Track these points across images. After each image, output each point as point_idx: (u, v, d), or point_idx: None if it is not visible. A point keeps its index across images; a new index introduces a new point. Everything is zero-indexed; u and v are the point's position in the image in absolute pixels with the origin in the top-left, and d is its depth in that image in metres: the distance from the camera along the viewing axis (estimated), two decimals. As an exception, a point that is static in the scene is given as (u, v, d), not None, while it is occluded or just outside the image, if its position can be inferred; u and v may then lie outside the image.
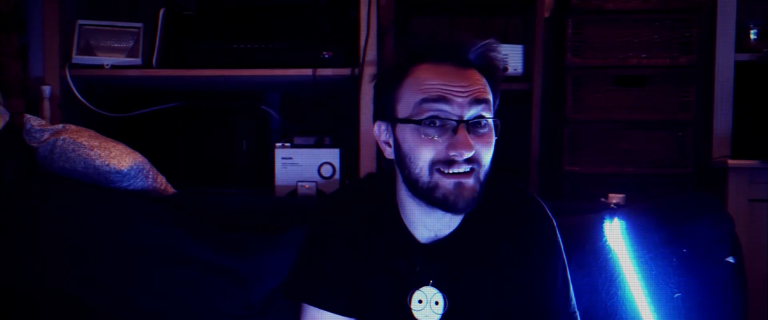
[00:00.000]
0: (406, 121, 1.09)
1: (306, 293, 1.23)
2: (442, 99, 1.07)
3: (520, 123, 2.05)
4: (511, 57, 1.93)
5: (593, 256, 1.42)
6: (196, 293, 1.52)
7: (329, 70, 1.91)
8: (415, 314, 1.17)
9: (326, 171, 1.88)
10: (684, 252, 1.40)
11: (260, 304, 1.52)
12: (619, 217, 1.44)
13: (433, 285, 1.17)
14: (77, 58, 1.96)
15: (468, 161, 1.07)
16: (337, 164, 1.89)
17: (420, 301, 1.17)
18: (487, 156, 1.09)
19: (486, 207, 1.16)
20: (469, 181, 1.08)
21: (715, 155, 2.16)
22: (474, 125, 1.08)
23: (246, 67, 1.93)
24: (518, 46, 1.95)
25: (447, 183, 1.07)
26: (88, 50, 1.98)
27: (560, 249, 1.20)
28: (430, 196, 1.09)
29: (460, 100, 1.07)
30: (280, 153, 1.89)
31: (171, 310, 1.51)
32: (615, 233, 1.43)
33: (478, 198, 1.09)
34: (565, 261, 1.20)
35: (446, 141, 1.07)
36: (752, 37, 2.21)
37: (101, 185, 1.62)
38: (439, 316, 1.17)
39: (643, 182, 1.91)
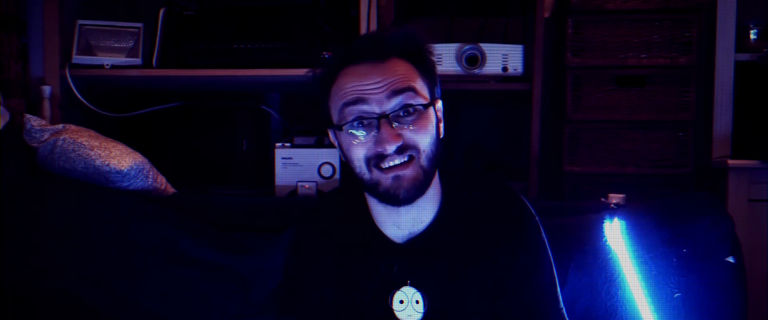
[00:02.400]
0: (337, 127, 1.12)
1: (293, 307, 1.25)
2: (360, 100, 1.09)
3: (520, 123, 2.05)
4: (511, 57, 1.93)
5: (593, 256, 1.41)
6: (196, 293, 1.52)
7: (329, 70, 1.91)
8: (398, 314, 1.18)
9: (326, 171, 1.88)
10: (684, 252, 1.40)
11: (260, 304, 1.52)
12: (619, 217, 1.44)
13: (411, 285, 1.17)
14: (77, 58, 1.96)
15: (400, 151, 1.08)
16: (337, 164, 1.89)
17: (401, 301, 1.18)
18: (424, 140, 1.09)
19: (463, 203, 1.17)
20: (407, 172, 1.09)
21: (715, 155, 2.16)
22: (399, 116, 1.09)
23: (246, 67, 1.93)
24: (518, 46, 1.95)
25: (385, 178, 1.10)
26: (88, 50, 1.98)
27: (545, 246, 1.19)
28: (375, 193, 1.12)
29: (377, 96, 1.08)
30: (280, 153, 1.89)
31: (171, 310, 1.51)
32: (615, 233, 1.43)
33: (423, 184, 1.11)
34: (551, 258, 1.19)
35: (373, 138, 1.09)
36: (752, 37, 2.21)
37: (101, 185, 1.62)
38: (420, 315, 1.17)
39: (643, 182, 1.91)
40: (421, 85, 1.12)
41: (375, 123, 1.08)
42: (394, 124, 1.08)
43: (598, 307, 1.38)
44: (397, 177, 1.09)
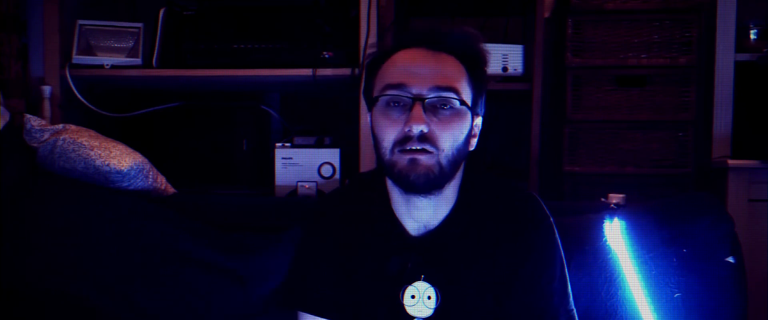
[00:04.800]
0: (374, 100, 1.14)
1: (301, 300, 1.25)
2: (404, 80, 1.10)
3: (520, 123, 2.05)
4: (511, 57, 1.93)
5: (593, 256, 1.42)
6: (196, 293, 1.52)
7: (329, 70, 1.91)
8: (409, 310, 1.18)
9: (326, 171, 1.88)
10: (684, 252, 1.40)
11: (260, 304, 1.52)
12: (619, 217, 1.44)
13: (424, 280, 1.18)
14: (77, 58, 1.96)
15: (422, 140, 1.08)
16: (337, 164, 1.89)
17: (412, 296, 1.18)
18: (446, 140, 1.10)
19: (478, 201, 1.18)
20: (423, 159, 1.09)
21: (715, 155, 2.16)
22: (435, 107, 1.10)
23: (246, 67, 1.93)
24: (518, 46, 1.94)
25: (402, 159, 1.10)
26: (88, 50, 1.98)
27: (558, 246, 1.20)
28: (391, 174, 1.13)
29: (421, 81, 1.10)
30: (280, 153, 1.89)
31: (171, 310, 1.51)
32: (615, 233, 1.43)
33: (437, 178, 1.11)
34: (563, 259, 1.20)
35: (403, 119, 1.09)
36: (752, 37, 2.21)
37: (101, 185, 1.62)
38: (432, 310, 1.18)
39: (643, 182, 1.91)
40: (465, 89, 1.13)
41: (409, 104, 1.09)
42: (429, 113, 1.09)
43: (598, 307, 1.38)
44: (412, 161, 1.09)
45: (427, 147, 1.09)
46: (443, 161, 1.10)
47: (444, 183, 1.13)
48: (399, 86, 1.10)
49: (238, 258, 1.53)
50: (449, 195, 1.18)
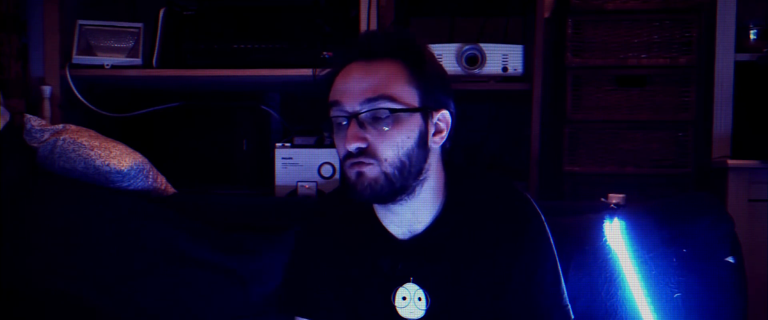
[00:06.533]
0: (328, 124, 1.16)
1: (298, 306, 1.26)
2: (339, 100, 1.12)
3: (520, 123, 2.05)
4: (511, 57, 1.93)
5: (593, 256, 1.42)
6: (196, 293, 1.52)
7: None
8: (400, 311, 1.19)
9: (326, 171, 1.88)
10: (684, 252, 1.40)
11: (260, 304, 1.52)
12: (619, 217, 1.44)
13: (414, 282, 1.18)
14: (77, 58, 1.96)
15: (360, 154, 1.10)
16: (337, 164, 1.89)
17: (404, 298, 1.19)
18: (386, 150, 1.10)
19: (468, 201, 1.18)
20: (367, 170, 1.10)
21: (715, 155, 2.16)
22: (372, 120, 1.10)
23: (246, 67, 1.93)
24: (518, 46, 1.94)
25: (351, 172, 1.12)
26: (88, 50, 1.98)
27: (550, 243, 1.19)
28: (346, 187, 1.14)
29: (353, 97, 1.10)
30: (280, 153, 1.89)
31: (171, 310, 1.51)
32: (615, 233, 1.43)
33: (384, 189, 1.11)
34: (556, 255, 1.19)
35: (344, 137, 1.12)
36: (752, 37, 2.21)
37: (101, 185, 1.62)
38: (423, 312, 1.18)
39: (643, 182, 1.91)
40: (405, 91, 1.11)
41: (347, 122, 1.11)
42: (367, 126, 1.10)
43: (598, 307, 1.38)
44: (358, 174, 1.11)
45: (365, 159, 1.09)
46: (388, 170, 1.10)
47: (397, 191, 1.12)
48: (335, 107, 1.12)
49: (238, 258, 1.54)
50: (427, 197, 1.17)
